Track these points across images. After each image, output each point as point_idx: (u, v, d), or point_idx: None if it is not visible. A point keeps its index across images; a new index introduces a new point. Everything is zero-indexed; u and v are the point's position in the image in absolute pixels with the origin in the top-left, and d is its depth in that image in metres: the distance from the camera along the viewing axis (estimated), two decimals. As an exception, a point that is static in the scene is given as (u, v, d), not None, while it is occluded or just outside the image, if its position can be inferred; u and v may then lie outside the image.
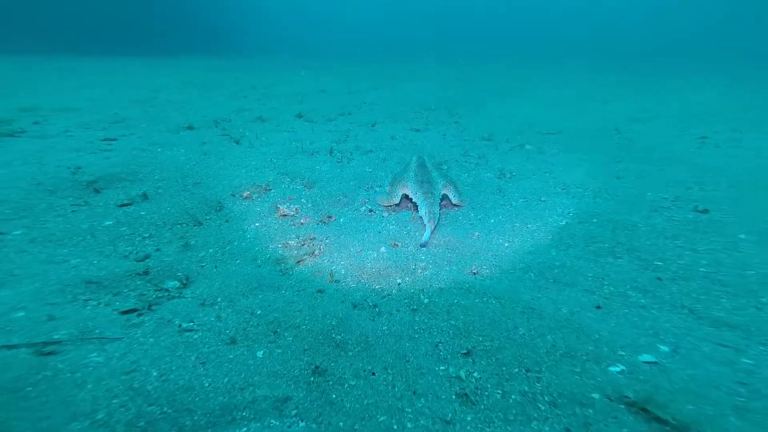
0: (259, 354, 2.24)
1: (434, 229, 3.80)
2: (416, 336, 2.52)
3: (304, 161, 5.45)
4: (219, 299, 2.69)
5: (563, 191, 4.79)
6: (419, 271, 3.21)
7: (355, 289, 2.98)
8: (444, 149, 6.21)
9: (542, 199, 4.53)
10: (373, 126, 7.46)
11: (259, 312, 2.63)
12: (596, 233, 3.72)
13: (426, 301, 2.85)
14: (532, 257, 3.35)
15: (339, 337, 2.49)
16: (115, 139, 5.82)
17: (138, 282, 2.74)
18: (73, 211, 3.50)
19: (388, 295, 2.92)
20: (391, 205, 4.38)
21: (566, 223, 3.93)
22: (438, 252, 3.49)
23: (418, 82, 14.45)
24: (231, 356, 2.17)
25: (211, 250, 3.34)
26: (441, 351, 2.40)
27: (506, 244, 3.58)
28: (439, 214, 3.99)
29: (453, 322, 2.63)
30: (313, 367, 2.23)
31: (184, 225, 3.69)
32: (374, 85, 13.41)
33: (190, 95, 10.88)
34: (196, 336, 2.26)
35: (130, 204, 3.80)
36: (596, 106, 10.42)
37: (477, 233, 3.80)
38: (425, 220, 3.78)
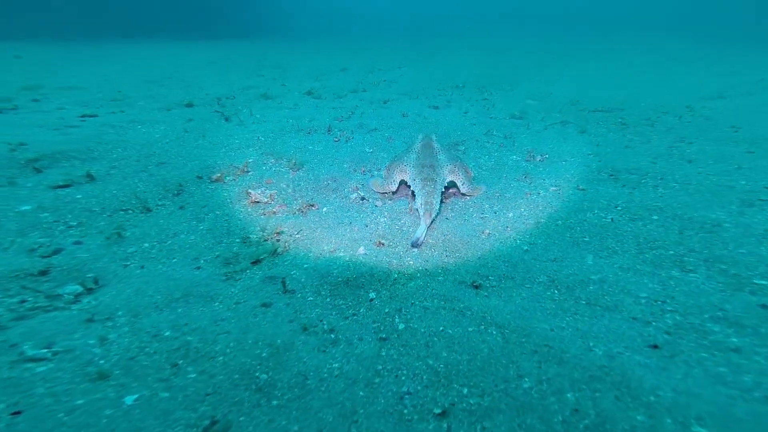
0: (129, 399, 1.58)
1: (431, 224, 3.00)
2: (377, 381, 1.78)
3: (296, 140, 4.78)
4: (120, 313, 2.07)
5: (611, 178, 3.80)
6: (402, 281, 2.45)
7: (312, 305, 2.27)
8: (463, 128, 5.32)
9: (581, 187, 3.58)
10: (385, 103, 6.66)
11: (167, 333, 1.98)
12: (656, 235, 2.76)
13: (401, 326, 2.09)
14: (560, 266, 2.48)
15: (265, 375, 1.79)
16: (95, 116, 5.43)
17: (24, 285, 2.17)
18: (-10, 193, 3.03)
19: (354, 315, 2.20)
20: (386, 193, 3.63)
21: (612, 219, 2.99)
22: (433, 255, 2.70)
23: (450, 61, 13.35)
24: (79, 402, 1.53)
25: (146, 245, 2.74)
26: (406, 407, 1.65)
27: (526, 247, 2.73)
28: (441, 205, 3.20)
29: (431, 362, 1.86)
30: (208, 422, 1.55)
31: (129, 212, 3.13)
32: (400, 64, 12.50)
33: (205, 74, 10.53)
34: (41, 369, 1.65)
35: (68, 185, 3.28)
36: (661, 81, 8.99)
37: (488, 231, 2.96)
38: (420, 213, 3.01)
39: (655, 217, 2.96)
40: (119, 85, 8.74)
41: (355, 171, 4.09)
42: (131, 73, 10.77)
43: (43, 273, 2.27)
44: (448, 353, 1.92)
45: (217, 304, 2.23)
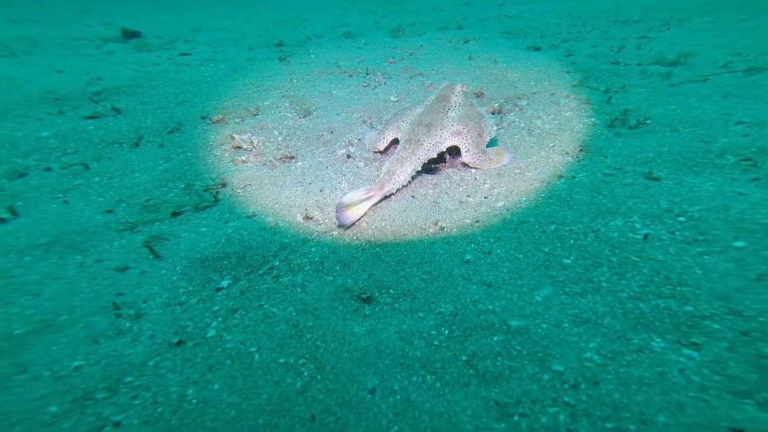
0: None
1: (381, 199, 2.30)
2: (98, 397, 1.39)
3: (326, 83, 4.29)
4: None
5: (740, 163, 2.31)
6: (279, 273, 1.91)
7: (156, 279, 1.95)
8: (544, 77, 3.94)
9: (654, 175, 2.22)
10: (465, 42, 5.44)
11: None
12: (697, 274, 1.47)
13: (211, 333, 1.64)
14: (486, 295, 1.57)
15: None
16: (189, 54, 5.89)
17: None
18: (39, 120, 3.45)
19: (180, 304, 1.79)
20: (377, 152, 2.96)
21: (645, 236, 1.73)
22: (349, 245, 2.06)
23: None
24: None
25: (96, 179, 2.79)
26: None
27: (470, 257, 1.81)
28: (410, 175, 2.42)
29: (190, 392, 1.39)
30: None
31: (122, 145, 3.24)
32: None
33: (326, 14, 10.51)
34: None
35: (95, 117, 3.57)
36: None
37: (442, 224, 2.08)
38: (379, 179, 2.34)
39: (740, 244, 1.57)
40: (255, 27, 9.21)
41: (364, 122, 3.44)
42: (274, 14, 11.25)
43: (-18, 196, 2.49)
44: (221, 386, 1.38)
45: (77, 257, 2.09)
